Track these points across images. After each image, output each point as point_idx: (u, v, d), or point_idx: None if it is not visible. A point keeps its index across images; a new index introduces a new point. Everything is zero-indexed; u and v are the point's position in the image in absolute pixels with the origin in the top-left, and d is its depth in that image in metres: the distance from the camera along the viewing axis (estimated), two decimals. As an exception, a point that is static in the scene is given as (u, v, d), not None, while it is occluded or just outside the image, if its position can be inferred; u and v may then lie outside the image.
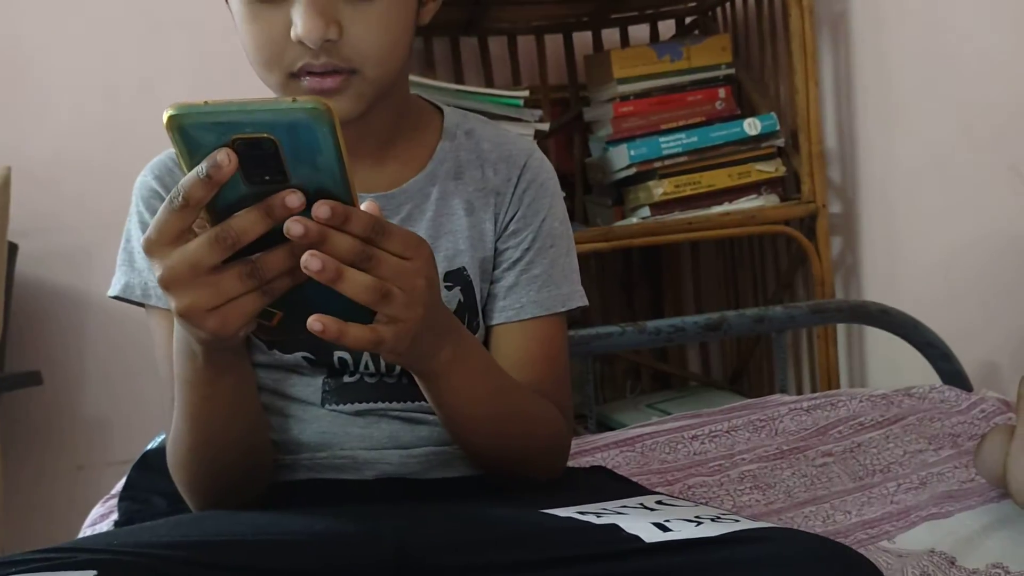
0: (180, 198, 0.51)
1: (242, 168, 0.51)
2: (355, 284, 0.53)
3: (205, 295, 0.53)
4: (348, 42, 0.66)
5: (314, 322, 0.54)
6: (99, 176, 1.63)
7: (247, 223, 0.52)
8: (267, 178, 0.52)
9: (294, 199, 0.51)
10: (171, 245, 0.52)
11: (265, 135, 0.50)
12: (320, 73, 0.67)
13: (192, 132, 0.50)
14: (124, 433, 1.67)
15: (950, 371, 1.28)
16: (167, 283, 0.53)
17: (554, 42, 1.79)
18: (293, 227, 0.51)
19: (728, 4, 1.73)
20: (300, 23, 0.64)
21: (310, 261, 0.52)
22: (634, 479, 1.04)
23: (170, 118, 0.49)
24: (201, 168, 0.50)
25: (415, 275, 0.56)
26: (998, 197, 1.30)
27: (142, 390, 1.61)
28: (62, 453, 1.67)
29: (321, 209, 0.51)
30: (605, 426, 1.64)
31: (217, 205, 0.52)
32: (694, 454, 1.13)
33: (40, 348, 1.64)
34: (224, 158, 0.50)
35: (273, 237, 0.53)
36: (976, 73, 1.32)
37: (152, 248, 0.53)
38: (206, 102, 0.49)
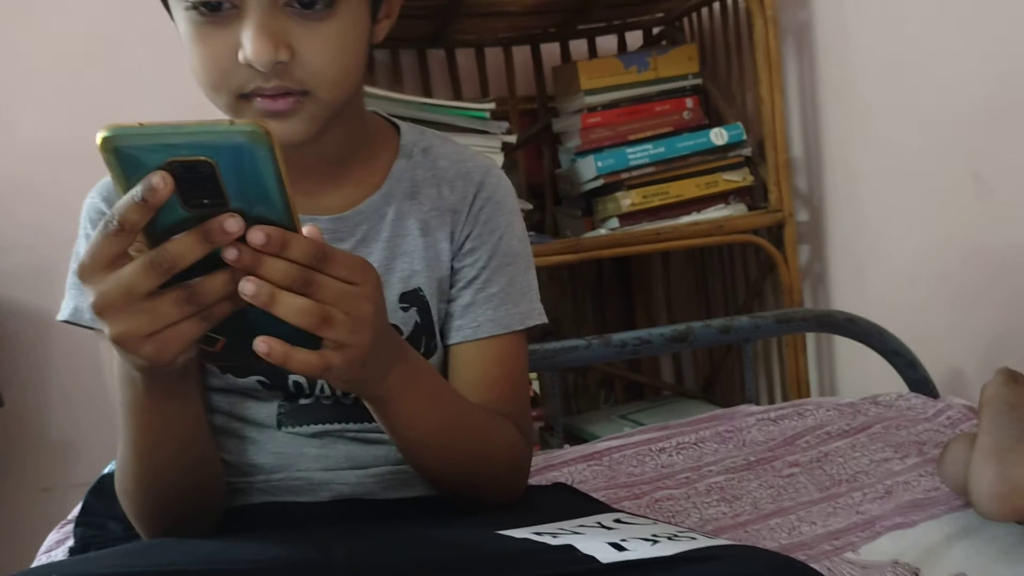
0: (115, 222, 0.49)
1: (179, 191, 0.50)
2: (289, 307, 0.52)
3: (140, 321, 0.51)
4: (300, 64, 0.64)
5: (260, 343, 0.53)
6: (60, 195, 1.59)
7: (184, 248, 0.50)
8: (206, 201, 0.50)
9: (232, 223, 0.50)
10: (105, 270, 0.51)
11: (202, 158, 0.49)
12: (272, 95, 0.65)
13: (127, 154, 0.49)
14: (89, 455, 1.65)
15: (916, 378, 1.28)
16: (100, 309, 0.51)
17: (522, 53, 1.79)
18: (228, 251, 0.50)
19: (695, 14, 1.74)
20: (249, 46, 0.62)
21: (245, 286, 0.51)
22: (601, 493, 1.03)
23: (104, 140, 0.48)
24: (136, 191, 0.49)
25: (361, 300, 0.55)
26: (961, 204, 1.31)
27: (107, 411, 1.58)
28: (26, 475, 1.64)
29: (256, 235, 0.50)
30: (578, 438, 1.64)
31: (155, 229, 0.51)
32: (661, 467, 1.12)
33: (2, 369, 1.61)
34: (159, 181, 0.48)
35: (215, 261, 0.52)
36: (937, 82, 1.33)
37: (85, 273, 0.51)
38: (140, 124, 0.48)
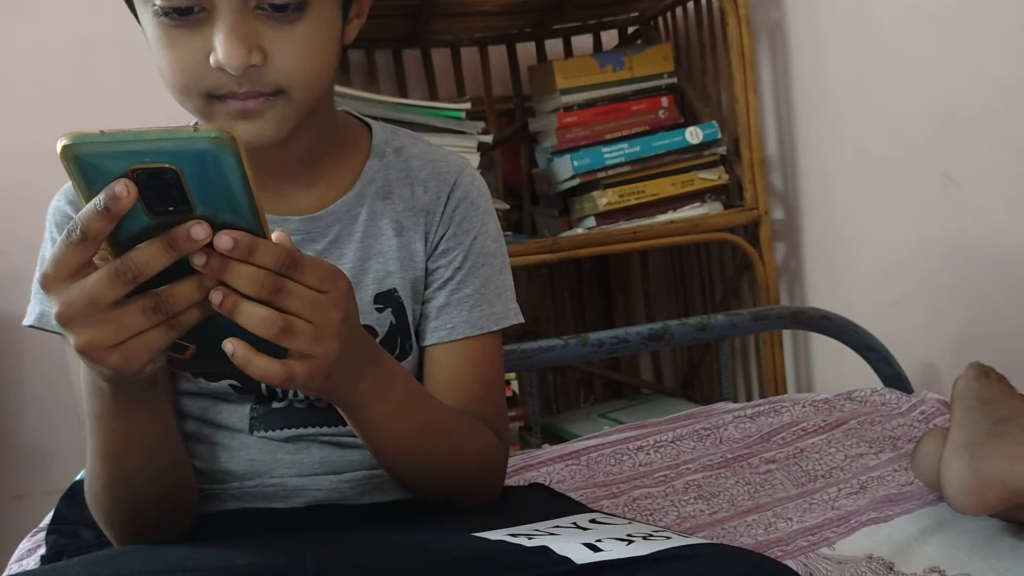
0: (78, 232, 0.48)
1: (143, 199, 0.49)
2: (250, 316, 0.51)
3: (106, 331, 0.50)
4: (272, 66, 0.64)
5: (227, 344, 0.52)
6: (29, 198, 1.57)
7: (149, 256, 0.49)
8: (171, 209, 0.49)
9: (199, 230, 0.49)
10: (69, 280, 0.50)
11: (166, 165, 0.48)
12: (243, 97, 0.64)
13: (88, 162, 0.48)
14: (62, 461, 1.63)
15: (890, 374, 1.30)
16: (64, 320, 0.50)
17: (498, 53, 1.79)
18: (196, 257, 0.50)
19: (669, 14, 1.75)
20: (220, 49, 0.61)
21: (213, 294, 0.50)
22: (579, 492, 1.03)
23: (64, 148, 0.47)
24: (99, 200, 0.48)
25: (330, 308, 0.54)
26: (933, 202, 1.33)
27: (79, 417, 1.56)
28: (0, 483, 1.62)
29: (223, 239, 0.50)
30: (558, 437, 1.64)
31: (120, 237, 0.50)
32: (639, 465, 1.13)
33: (-27, 375, 1.59)
34: (122, 190, 0.47)
35: (183, 267, 0.51)
36: (908, 81, 1.34)
37: (49, 283, 0.50)
38: (102, 131, 0.47)
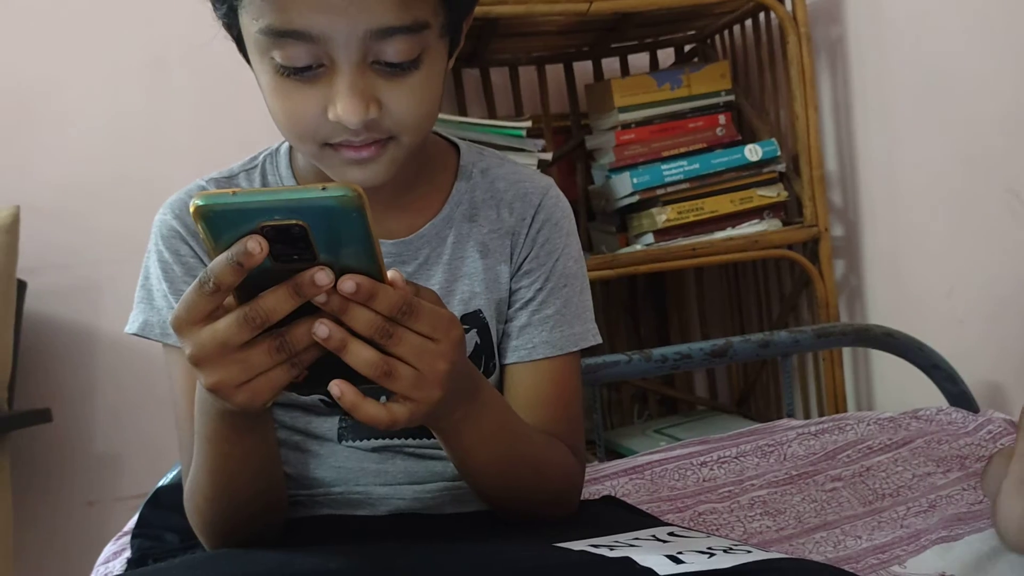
0: (211, 284, 0.51)
1: (270, 249, 0.51)
2: (358, 357, 0.54)
3: (235, 371, 0.53)
4: (387, 115, 0.65)
5: (334, 387, 0.55)
6: (107, 212, 1.64)
7: (276, 303, 0.52)
8: (295, 257, 0.52)
9: (323, 277, 0.52)
10: (200, 324, 0.53)
11: (294, 221, 0.50)
12: (358, 146, 0.66)
13: (219, 220, 0.51)
14: (134, 468, 1.68)
15: (956, 392, 1.28)
16: (197, 361, 0.54)
17: (555, 72, 1.81)
18: (319, 295, 0.53)
19: (726, 32, 1.76)
20: (341, 106, 0.63)
21: (319, 328, 0.53)
22: (644, 507, 1.04)
23: (196, 208, 0.50)
24: (231, 255, 0.51)
25: (437, 358, 0.56)
26: (997, 218, 1.31)
27: (151, 425, 1.62)
28: (72, 489, 1.67)
29: (347, 284, 0.52)
30: (614, 452, 1.65)
31: (244, 279, 0.53)
32: (703, 480, 1.13)
33: (49, 385, 1.65)
34: (255, 247, 0.50)
35: (303, 305, 0.53)
36: (971, 96, 1.33)
37: (181, 327, 0.53)
38: (234, 192, 0.50)
